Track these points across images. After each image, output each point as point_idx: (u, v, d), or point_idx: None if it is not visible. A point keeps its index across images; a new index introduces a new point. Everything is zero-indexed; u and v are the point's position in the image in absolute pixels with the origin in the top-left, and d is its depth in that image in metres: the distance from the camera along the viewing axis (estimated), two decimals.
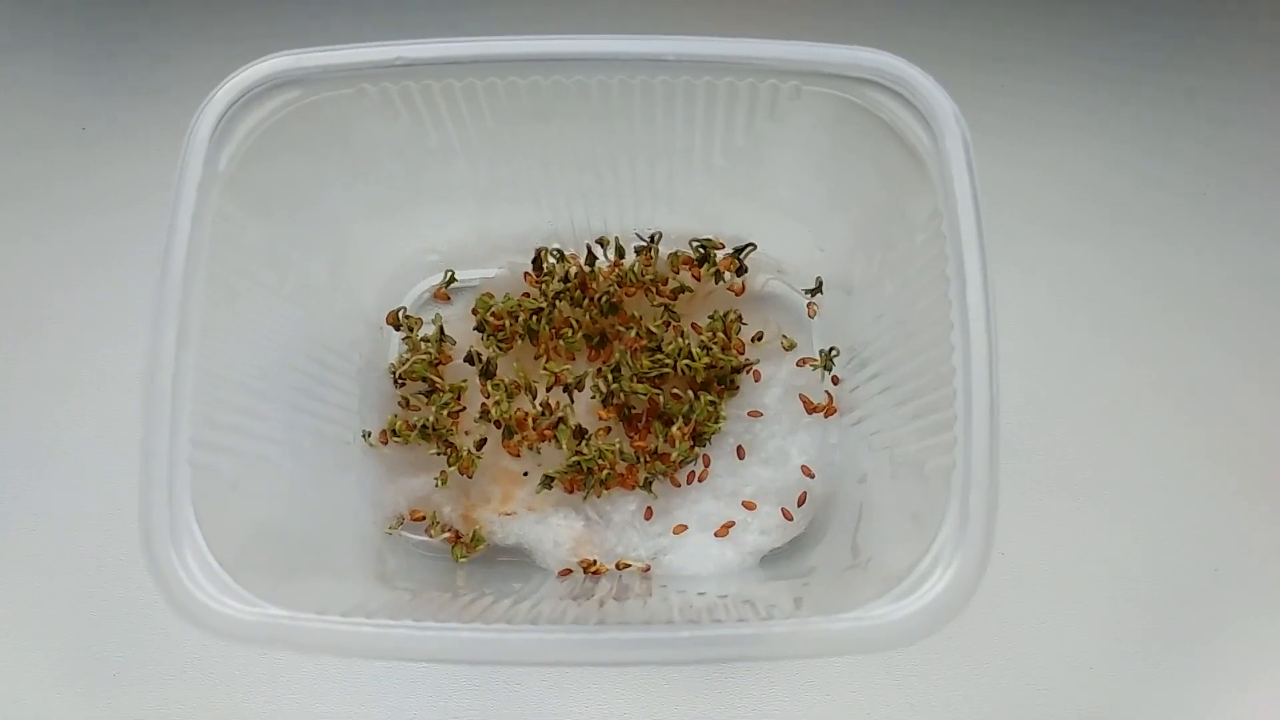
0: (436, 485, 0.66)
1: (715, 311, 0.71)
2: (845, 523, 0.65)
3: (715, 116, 0.58)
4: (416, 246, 0.71)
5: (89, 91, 0.79)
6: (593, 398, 0.67)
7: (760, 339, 0.72)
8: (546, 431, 0.66)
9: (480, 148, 0.62)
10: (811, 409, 0.68)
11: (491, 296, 0.71)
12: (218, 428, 0.54)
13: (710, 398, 0.67)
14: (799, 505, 0.66)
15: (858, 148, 0.57)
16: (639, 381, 0.67)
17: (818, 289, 0.71)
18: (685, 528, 0.66)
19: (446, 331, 0.70)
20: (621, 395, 0.67)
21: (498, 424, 0.66)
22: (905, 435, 0.58)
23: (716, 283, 0.71)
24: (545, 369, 0.69)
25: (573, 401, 0.67)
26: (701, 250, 0.69)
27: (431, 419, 0.67)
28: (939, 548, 0.49)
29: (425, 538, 0.66)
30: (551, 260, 0.72)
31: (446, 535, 0.66)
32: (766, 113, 0.57)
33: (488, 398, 0.67)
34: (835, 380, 0.68)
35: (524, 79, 0.55)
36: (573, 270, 0.71)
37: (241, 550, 0.52)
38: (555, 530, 0.65)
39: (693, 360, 0.68)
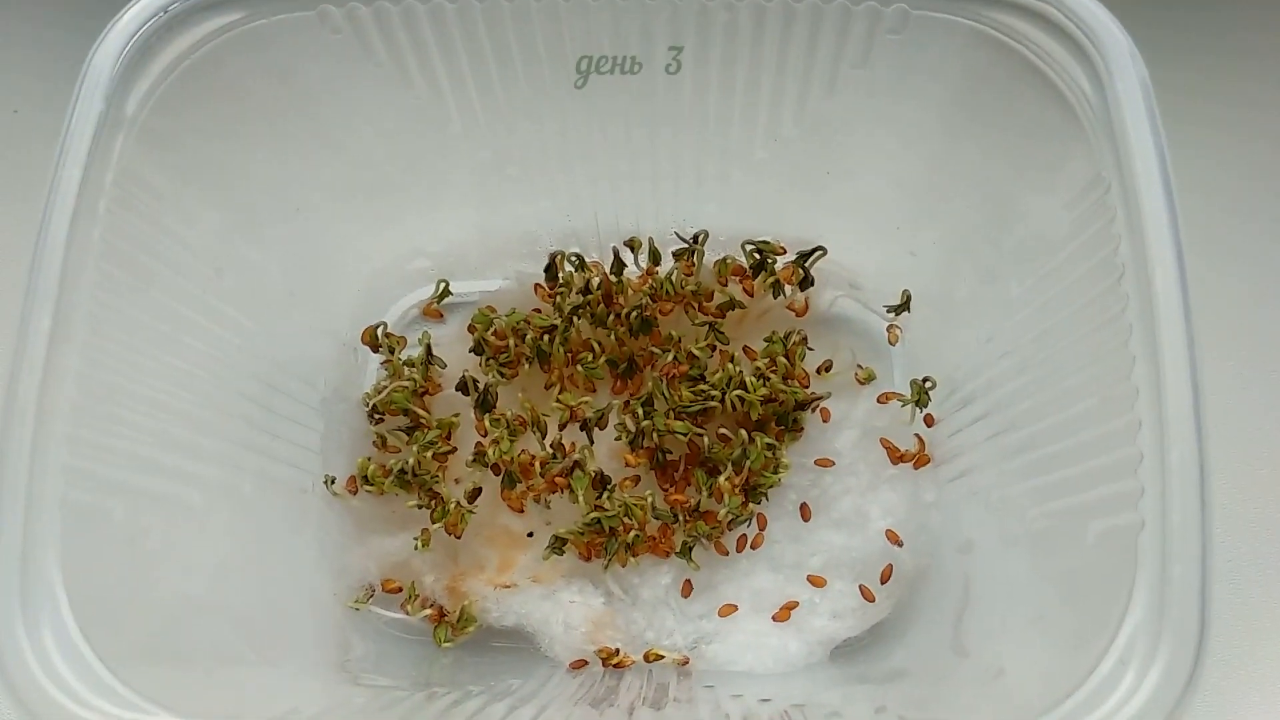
0: (416, 547, 0.55)
1: (773, 332, 0.57)
2: (946, 606, 0.52)
3: (788, 64, 0.46)
4: (401, 248, 0.59)
5: (19, 68, 0.70)
6: (617, 438, 0.56)
7: (829, 370, 0.58)
8: (558, 479, 0.54)
9: (481, 107, 0.49)
10: (897, 458, 0.56)
11: (493, 310, 0.58)
12: (112, 458, 0.41)
13: (768, 440, 0.54)
14: (882, 582, 0.54)
15: (982, 99, 0.44)
16: (677, 418, 0.55)
17: (904, 306, 0.57)
18: (734, 608, 0.54)
19: (437, 354, 0.58)
20: (654, 435, 0.55)
21: (496, 469, 0.55)
22: (1042, 489, 0.44)
23: (775, 297, 0.57)
24: (558, 401, 0.56)
25: (592, 443, 0.56)
26: (757, 255, 0.56)
27: (412, 461, 0.54)
28: (1126, 643, 0.35)
29: (401, 615, 0.55)
30: (569, 268, 0.58)
31: (428, 612, 0.54)
32: (858, 55, 0.45)
33: (484, 436, 0.54)
34: (929, 421, 0.54)
35: None
36: (595, 280, 0.57)
37: (137, 631, 0.40)
38: (567, 609, 0.53)
39: (746, 391, 0.54)
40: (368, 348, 0.59)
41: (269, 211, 0.50)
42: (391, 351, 0.59)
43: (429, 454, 0.55)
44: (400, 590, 0.54)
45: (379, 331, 0.59)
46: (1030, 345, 0.46)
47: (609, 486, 0.54)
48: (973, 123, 0.45)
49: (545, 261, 0.59)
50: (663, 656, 0.52)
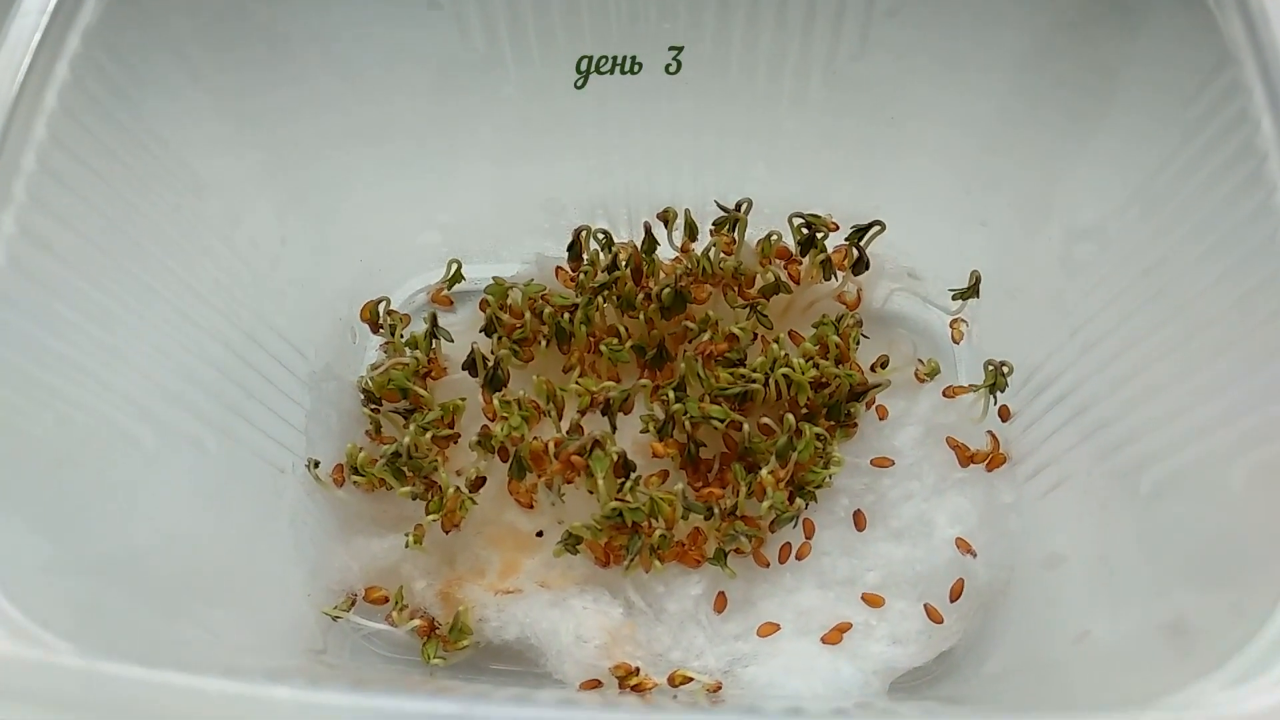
0: (408, 544, 0.48)
1: (824, 315, 0.51)
2: (1031, 625, 0.42)
3: None
4: (411, 214, 0.54)
5: None
6: (643, 431, 0.50)
7: (884, 366, 0.51)
8: (574, 459, 0.46)
9: (508, 31, 0.43)
10: (967, 459, 0.50)
11: (506, 283, 0.52)
12: (46, 357, 0.35)
13: (817, 430, 0.46)
14: (952, 600, 0.47)
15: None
16: (713, 402, 0.48)
17: (972, 290, 0.50)
18: (776, 628, 0.47)
19: (443, 336, 0.52)
20: (686, 424, 0.49)
21: (503, 454, 0.49)
22: (1158, 447, 0.36)
23: (825, 279, 0.51)
24: (577, 384, 0.48)
25: (615, 429, 0.48)
26: (805, 230, 0.49)
27: (408, 442, 0.47)
28: None
29: (385, 626, 0.48)
30: (594, 246, 0.52)
31: (416, 624, 0.47)
32: None
33: (493, 420, 0.49)
34: (1004, 414, 0.46)
35: None
36: (623, 257, 0.51)
37: (49, 558, 0.33)
38: (579, 618, 0.46)
39: (792, 371, 0.47)
40: (367, 326, 0.53)
41: (261, 136, 0.45)
42: (393, 331, 0.52)
43: (427, 436, 0.48)
44: (386, 600, 0.48)
45: (380, 308, 0.52)
46: (1132, 293, 0.39)
47: (633, 475, 0.47)
48: (1067, 10, 0.39)
49: (568, 240, 0.53)
50: (691, 679, 0.45)
